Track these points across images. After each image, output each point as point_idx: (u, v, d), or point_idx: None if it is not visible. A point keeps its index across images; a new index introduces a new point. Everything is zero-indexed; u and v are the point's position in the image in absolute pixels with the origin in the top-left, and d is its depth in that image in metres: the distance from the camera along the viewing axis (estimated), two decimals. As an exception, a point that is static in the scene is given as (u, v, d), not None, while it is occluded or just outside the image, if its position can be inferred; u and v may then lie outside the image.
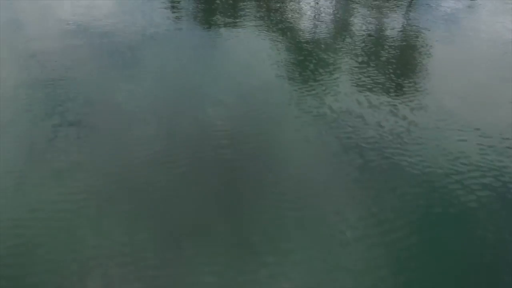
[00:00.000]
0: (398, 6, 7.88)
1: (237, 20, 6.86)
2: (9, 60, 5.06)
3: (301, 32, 6.41)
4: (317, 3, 7.97)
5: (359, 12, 7.47)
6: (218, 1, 8.09)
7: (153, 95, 4.33)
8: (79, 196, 2.95)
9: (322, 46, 5.96)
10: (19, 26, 6.22)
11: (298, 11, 7.40)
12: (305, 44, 6.00)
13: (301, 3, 7.83)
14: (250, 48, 5.73)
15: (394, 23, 6.93)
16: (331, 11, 7.37)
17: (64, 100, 4.12)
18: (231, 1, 8.13)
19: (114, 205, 2.88)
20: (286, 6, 7.73)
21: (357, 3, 7.94)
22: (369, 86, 4.78)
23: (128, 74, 4.73)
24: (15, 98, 4.17)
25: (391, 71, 5.20)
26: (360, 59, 5.53)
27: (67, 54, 5.26)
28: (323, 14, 7.26)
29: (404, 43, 6.19)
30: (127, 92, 4.31)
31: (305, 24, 6.79)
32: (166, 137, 3.58)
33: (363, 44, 6.05)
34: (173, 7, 7.74)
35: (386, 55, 5.72)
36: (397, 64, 5.40)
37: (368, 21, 6.96)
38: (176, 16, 7.08)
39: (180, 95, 4.33)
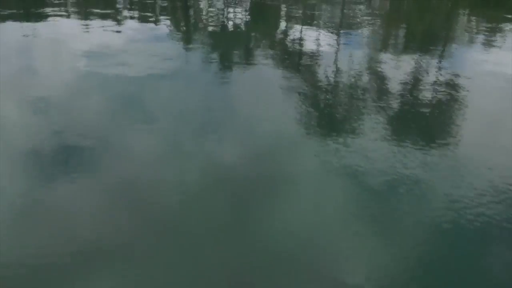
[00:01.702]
0: (429, 54, 7.77)
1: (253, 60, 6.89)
2: (14, 102, 4.96)
3: (321, 77, 6.33)
4: (337, 49, 7.82)
5: (385, 59, 7.36)
6: (230, 41, 8.14)
7: (163, 135, 4.28)
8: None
9: (344, 92, 5.76)
10: (28, 66, 6.19)
11: (317, 57, 7.31)
12: (325, 89, 5.84)
13: (321, 49, 7.75)
14: (266, 89, 5.67)
15: (425, 71, 6.74)
16: (356, 59, 7.22)
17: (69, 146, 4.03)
18: (245, 39, 8.24)
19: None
20: (305, 51, 7.64)
21: (380, 49, 7.94)
22: (395, 138, 4.45)
23: (136, 116, 4.65)
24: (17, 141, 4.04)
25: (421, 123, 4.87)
26: (385, 109, 5.19)
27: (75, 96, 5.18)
28: (345, 61, 7.11)
29: (437, 93, 5.83)
30: (135, 134, 4.24)
31: (324, 69, 6.69)
32: (175, 186, 3.45)
33: (388, 93, 5.76)
34: (185, 43, 7.77)
35: (416, 105, 5.38)
36: (429, 116, 5.06)
37: (393, 68, 6.82)
38: (188, 53, 7.09)
39: (190, 136, 4.26)
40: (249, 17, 10.79)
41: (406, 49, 8.33)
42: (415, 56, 7.60)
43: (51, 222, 2.93)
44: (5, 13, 9.53)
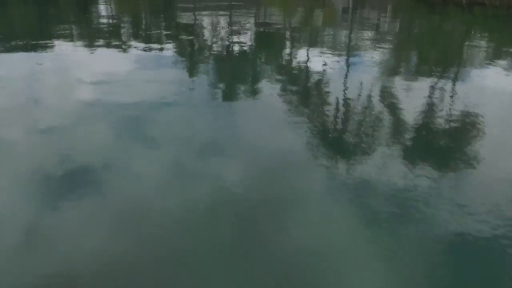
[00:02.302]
0: (442, 78, 7.62)
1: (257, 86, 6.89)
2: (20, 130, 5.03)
3: (330, 102, 6.27)
4: (346, 76, 7.70)
5: (396, 83, 7.29)
6: (235, 67, 8.26)
7: (168, 160, 4.32)
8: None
9: (354, 118, 5.70)
10: (34, 94, 6.35)
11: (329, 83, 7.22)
12: (333, 115, 5.78)
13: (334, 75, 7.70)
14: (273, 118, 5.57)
15: (437, 96, 6.61)
16: (365, 84, 7.05)
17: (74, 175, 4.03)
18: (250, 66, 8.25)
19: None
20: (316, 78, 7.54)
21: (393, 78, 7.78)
22: (405, 163, 4.38)
23: (142, 144, 4.67)
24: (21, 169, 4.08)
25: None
26: (396, 133, 5.11)
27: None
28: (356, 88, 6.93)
29: (450, 118, 5.67)
30: (141, 160, 4.28)
31: (332, 94, 6.61)
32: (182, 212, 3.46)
33: (398, 117, 5.66)
34: (190, 71, 7.85)
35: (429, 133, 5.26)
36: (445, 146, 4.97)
37: (404, 93, 6.73)
38: (193, 82, 7.12)
39: (195, 161, 4.29)
40: (255, 43, 10.82)
41: (418, 73, 8.22)
42: (427, 81, 7.52)
43: (55, 248, 2.93)
44: (13, 43, 9.74)
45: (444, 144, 5.00)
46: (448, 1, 17.85)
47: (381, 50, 10.06)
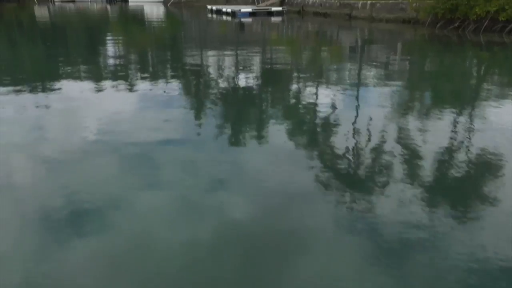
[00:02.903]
0: (457, 115, 7.26)
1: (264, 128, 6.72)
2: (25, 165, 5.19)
3: (339, 140, 6.08)
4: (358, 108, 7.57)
5: (410, 121, 6.94)
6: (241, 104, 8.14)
7: (173, 200, 4.32)
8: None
9: (365, 157, 5.49)
10: (38, 132, 6.45)
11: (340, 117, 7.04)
12: (342, 152, 5.63)
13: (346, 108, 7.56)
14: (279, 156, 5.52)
15: (451, 134, 6.31)
16: (376, 122, 6.81)
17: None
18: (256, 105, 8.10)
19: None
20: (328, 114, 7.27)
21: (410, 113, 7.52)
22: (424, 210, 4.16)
23: (147, 182, 4.70)
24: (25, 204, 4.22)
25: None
26: (413, 178, 4.88)
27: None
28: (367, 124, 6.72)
29: (466, 156, 5.49)
30: (146, 202, 4.27)
31: (342, 132, 6.40)
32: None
33: (410, 154, 5.51)
34: (196, 110, 7.73)
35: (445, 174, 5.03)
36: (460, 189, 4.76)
37: (415, 130, 6.42)
38: (199, 122, 7.02)
39: (201, 202, 4.26)
40: (262, 81, 10.57)
41: (432, 111, 7.79)
42: (442, 119, 7.11)
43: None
44: (20, 83, 9.77)
45: (459, 183, 4.87)
46: (466, 40, 16.97)
47: (391, 88, 9.59)
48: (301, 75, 11.62)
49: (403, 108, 7.99)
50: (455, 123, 6.85)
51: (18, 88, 9.21)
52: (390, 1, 23.29)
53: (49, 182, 4.73)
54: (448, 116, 7.29)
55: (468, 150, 5.76)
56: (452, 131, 6.44)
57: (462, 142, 6.05)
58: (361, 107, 7.91)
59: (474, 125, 6.82)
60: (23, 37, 22.50)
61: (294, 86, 10.11)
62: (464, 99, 9.04)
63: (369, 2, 24.72)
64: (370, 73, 11.60)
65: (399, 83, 10.44)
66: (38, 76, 10.97)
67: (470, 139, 6.20)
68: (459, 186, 4.79)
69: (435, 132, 6.37)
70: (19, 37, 22.60)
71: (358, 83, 10.18)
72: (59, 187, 4.57)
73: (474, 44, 16.42)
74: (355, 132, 6.42)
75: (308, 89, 9.64)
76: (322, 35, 22.10)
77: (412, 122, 6.88)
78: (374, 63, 13.36)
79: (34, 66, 12.78)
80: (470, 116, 7.42)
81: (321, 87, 9.75)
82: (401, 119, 7.09)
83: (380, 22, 23.48)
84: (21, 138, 6.09)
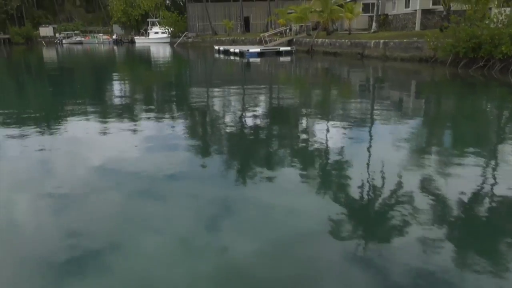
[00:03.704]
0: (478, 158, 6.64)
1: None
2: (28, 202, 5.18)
3: (351, 180, 5.71)
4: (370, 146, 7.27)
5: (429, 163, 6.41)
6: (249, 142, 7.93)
7: (175, 243, 4.20)
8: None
9: (381, 200, 5.12)
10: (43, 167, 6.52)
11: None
12: (358, 196, 5.25)
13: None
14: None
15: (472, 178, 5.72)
16: (392, 163, 6.34)
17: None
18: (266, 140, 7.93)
19: None
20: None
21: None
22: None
23: (150, 223, 4.58)
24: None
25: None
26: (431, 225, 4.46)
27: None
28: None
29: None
30: (147, 242, 4.17)
31: (354, 171, 6.03)
32: None
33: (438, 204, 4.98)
34: (201, 150, 7.49)
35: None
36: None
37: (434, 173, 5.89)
38: (205, 162, 6.81)
39: (206, 243, 4.13)
40: (269, 120, 10.11)
41: (450, 153, 7.23)
42: (460, 162, 6.58)
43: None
44: (25, 122, 9.81)
45: (481, 229, 4.52)
46: (492, 80, 15.80)
47: (411, 129, 8.85)
48: (309, 114, 10.96)
49: (423, 151, 7.26)
50: (479, 168, 6.19)
51: (23, 127, 9.22)
52: (404, 40, 22.43)
53: (50, 221, 4.71)
54: (473, 160, 6.58)
55: (490, 197, 5.23)
56: (475, 176, 5.79)
57: (483, 188, 5.44)
58: (373, 148, 7.37)
59: (499, 171, 6.14)
60: (30, 78, 22.83)
61: (301, 126, 9.65)
62: (493, 142, 8.06)
63: (381, 41, 23.89)
64: (388, 113, 10.70)
65: (420, 123, 9.56)
66: (43, 116, 10.92)
67: (493, 186, 5.57)
68: (481, 233, 4.42)
69: (456, 177, 5.82)
70: (26, 77, 22.93)
71: (373, 123, 9.48)
72: (60, 226, 4.56)
73: (502, 84, 15.15)
74: (365, 173, 5.96)
75: (315, 128, 9.12)
76: (333, 74, 21.09)
77: (433, 166, 6.29)
78: (392, 103, 12.29)
79: (40, 106, 12.77)
80: (496, 160, 6.70)
81: (331, 127, 9.12)
82: (419, 162, 6.54)
83: (395, 61, 22.53)
84: (25, 176, 6.07)
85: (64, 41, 70.59)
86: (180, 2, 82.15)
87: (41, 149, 7.48)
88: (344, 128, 8.84)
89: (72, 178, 5.94)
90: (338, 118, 10.16)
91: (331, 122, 9.60)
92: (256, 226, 4.46)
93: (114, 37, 70.54)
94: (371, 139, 8.04)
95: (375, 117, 10.16)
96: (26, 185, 5.76)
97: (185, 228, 4.45)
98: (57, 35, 74.71)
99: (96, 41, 70.16)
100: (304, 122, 9.93)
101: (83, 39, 71.56)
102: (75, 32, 74.87)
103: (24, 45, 69.15)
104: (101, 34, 74.38)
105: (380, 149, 7.20)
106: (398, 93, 14.53)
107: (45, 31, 76.49)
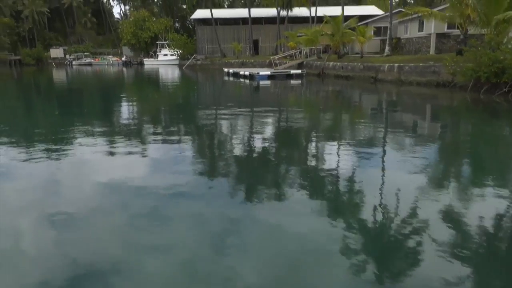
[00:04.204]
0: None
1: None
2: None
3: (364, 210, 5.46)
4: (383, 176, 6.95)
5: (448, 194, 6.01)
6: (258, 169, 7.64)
7: (180, 266, 4.13)
8: None
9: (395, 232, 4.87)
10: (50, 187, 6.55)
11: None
12: (372, 226, 5.02)
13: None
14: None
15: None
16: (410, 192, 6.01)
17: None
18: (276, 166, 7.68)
19: None
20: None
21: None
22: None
23: (155, 248, 4.49)
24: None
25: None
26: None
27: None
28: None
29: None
30: (152, 267, 4.10)
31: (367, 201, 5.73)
32: None
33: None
34: (208, 174, 7.32)
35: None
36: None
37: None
38: (213, 185, 6.65)
39: (211, 270, 4.03)
40: (278, 144, 9.92)
41: (470, 182, 6.83)
42: (482, 192, 6.25)
43: None
44: (33, 145, 9.81)
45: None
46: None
47: (420, 155, 8.34)
48: (322, 138, 10.69)
49: (439, 180, 6.84)
50: (502, 200, 5.72)
51: (30, 149, 9.21)
52: (420, 64, 21.84)
53: (54, 242, 4.69)
54: (495, 192, 6.14)
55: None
56: (495, 209, 5.38)
57: (503, 222, 5.09)
58: (386, 175, 7.07)
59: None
60: (39, 99, 23.05)
61: (313, 150, 9.41)
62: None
63: (396, 65, 23.33)
64: (405, 138, 10.17)
65: (440, 150, 9.07)
66: (50, 138, 10.88)
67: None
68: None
69: (475, 210, 5.45)
70: (35, 99, 23.20)
71: (387, 148, 9.14)
72: (65, 248, 4.53)
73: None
74: (377, 200, 5.77)
75: (326, 153, 8.86)
76: (346, 98, 20.47)
77: (450, 197, 5.91)
78: (409, 127, 11.66)
79: (47, 128, 12.62)
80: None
81: (343, 151, 8.82)
82: (433, 191, 6.17)
83: (410, 86, 21.90)
84: (30, 198, 6.08)
85: (74, 62, 71.26)
86: (189, 25, 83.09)
87: (47, 171, 7.45)
88: (356, 153, 8.47)
89: (77, 200, 5.91)
90: (351, 143, 9.72)
91: (344, 147, 9.25)
92: (263, 249, 4.40)
93: (123, 59, 71.09)
94: (383, 165, 7.69)
95: (390, 142, 9.75)
96: (32, 206, 5.75)
97: (192, 251, 4.40)
98: (67, 56, 75.54)
99: (106, 63, 70.68)
100: (315, 146, 9.64)
101: (92, 60, 72.22)
102: (85, 53, 75.67)
103: (34, 66, 69.87)
104: (110, 56, 75.07)
105: (392, 176, 6.92)
106: (416, 118, 13.89)
107: (56, 52, 77.43)
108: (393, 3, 75.23)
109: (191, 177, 6.97)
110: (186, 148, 9.40)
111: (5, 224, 5.06)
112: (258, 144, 9.71)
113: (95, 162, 8.01)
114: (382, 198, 5.85)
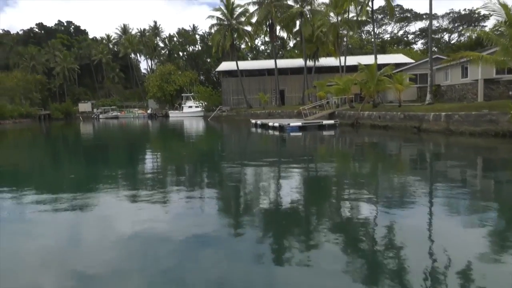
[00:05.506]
0: None
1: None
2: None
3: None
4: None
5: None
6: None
7: None
8: None
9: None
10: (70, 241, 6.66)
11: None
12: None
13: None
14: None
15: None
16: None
17: None
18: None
19: None
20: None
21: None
22: None
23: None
24: None
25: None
26: None
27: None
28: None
29: None
30: None
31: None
32: None
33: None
34: (234, 227, 7.20)
35: None
36: None
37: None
38: (238, 239, 6.58)
39: None
40: (306, 197, 9.52)
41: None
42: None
43: None
44: (58, 196, 9.85)
45: None
46: None
47: (476, 218, 7.37)
48: (351, 189, 10.12)
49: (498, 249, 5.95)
50: None
51: (54, 203, 9.17)
52: (472, 112, 19.73)
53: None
54: None
55: None
56: None
57: None
58: (428, 237, 6.41)
59: None
60: (66, 152, 23.44)
61: (343, 202, 8.96)
62: None
63: (443, 113, 21.25)
64: (460, 200, 8.66)
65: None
66: (76, 189, 10.83)
67: None
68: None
69: None
70: (63, 152, 23.78)
71: (435, 208, 8.12)
72: None
73: None
74: (417, 265, 5.28)
75: (363, 211, 8.03)
76: (389, 149, 18.29)
77: None
78: (464, 184, 10.00)
79: (73, 180, 12.71)
80: None
81: (376, 205, 8.28)
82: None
83: (462, 136, 19.65)
84: (55, 247, 6.29)
85: (101, 116, 72.29)
86: (214, 77, 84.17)
87: (71, 224, 7.56)
88: (397, 213, 7.66)
89: (99, 254, 5.99)
90: (382, 199, 8.88)
91: (372, 203, 8.52)
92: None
93: (149, 111, 71.70)
94: (430, 227, 6.93)
95: (430, 203, 8.50)
96: (54, 260, 5.91)
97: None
98: (94, 110, 76.93)
99: (132, 116, 71.36)
100: (357, 205, 8.67)
101: (119, 113, 73.10)
102: (112, 107, 76.93)
103: (63, 120, 71.14)
104: (136, 109, 75.99)
105: (435, 239, 6.31)
106: (473, 173, 11.63)
107: (84, 106, 79.17)
108: (419, 51, 74.55)
109: (216, 233, 6.81)
110: (211, 203, 9.13)
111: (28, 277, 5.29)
112: (285, 202, 9.04)
113: (117, 218, 7.98)
114: (423, 265, 5.30)
